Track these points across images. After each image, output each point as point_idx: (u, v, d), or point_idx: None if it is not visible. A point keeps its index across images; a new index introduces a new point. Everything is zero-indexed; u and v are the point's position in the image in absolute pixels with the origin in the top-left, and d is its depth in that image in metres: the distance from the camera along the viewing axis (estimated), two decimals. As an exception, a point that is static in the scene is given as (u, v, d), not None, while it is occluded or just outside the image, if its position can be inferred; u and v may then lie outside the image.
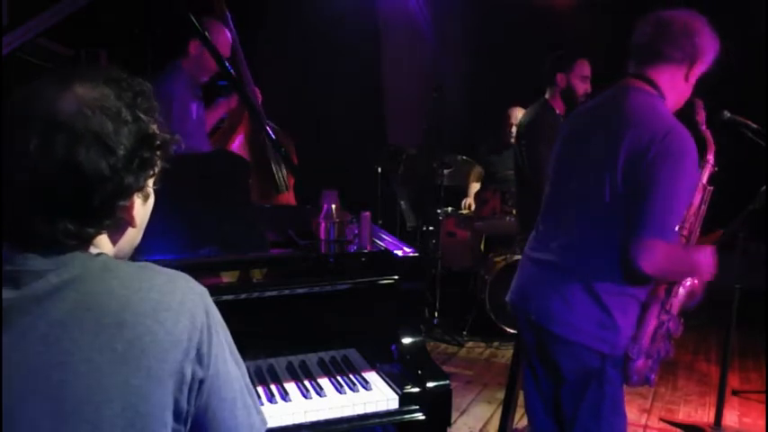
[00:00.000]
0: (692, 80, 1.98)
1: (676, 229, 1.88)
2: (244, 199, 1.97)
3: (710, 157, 2.09)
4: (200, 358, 0.96)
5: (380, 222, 4.44)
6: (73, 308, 0.90)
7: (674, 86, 1.96)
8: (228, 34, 2.98)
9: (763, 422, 3.41)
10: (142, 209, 1.03)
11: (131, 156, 0.94)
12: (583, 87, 3.59)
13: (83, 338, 0.90)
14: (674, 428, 3.42)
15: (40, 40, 2.49)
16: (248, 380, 1.09)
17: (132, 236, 1.05)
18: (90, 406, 0.89)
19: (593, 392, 1.98)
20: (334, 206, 2.02)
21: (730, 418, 3.49)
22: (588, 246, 1.94)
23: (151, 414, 0.92)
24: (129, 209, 0.99)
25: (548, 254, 2.03)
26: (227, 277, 1.82)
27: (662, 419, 3.50)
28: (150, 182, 1.02)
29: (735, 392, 3.77)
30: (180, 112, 2.83)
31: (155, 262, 1.70)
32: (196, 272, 1.76)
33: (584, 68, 3.58)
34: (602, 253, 1.91)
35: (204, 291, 1.02)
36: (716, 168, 2.09)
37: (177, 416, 0.95)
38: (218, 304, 1.69)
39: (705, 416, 3.53)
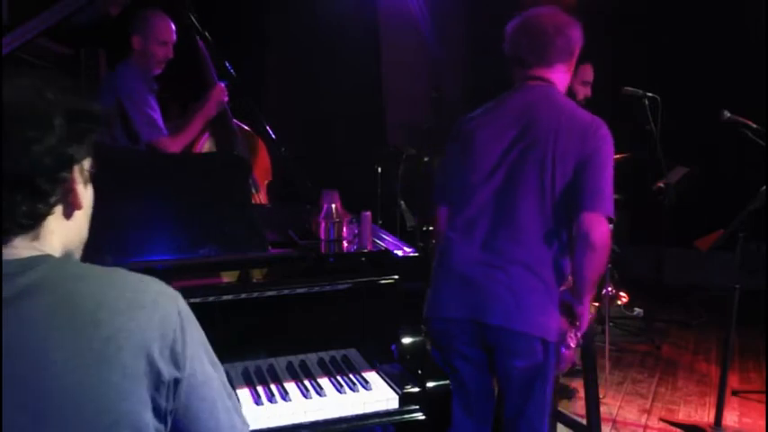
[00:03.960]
0: (572, 71, 2.19)
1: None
2: (244, 199, 1.97)
3: None
4: (174, 358, 0.98)
5: (380, 222, 4.44)
6: (46, 309, 0.91)
7: (562, 81, 2.15)
8: (170, 22, 2.98)
9: (763, 422, 3.41)
10: (85, 192, 1.05)
11: (68, 127, 0.98)
12: (583, 92, 3.59)
13: (59, 340, 0.90)
14: (674, 428, 3.42)
15: (40, 40, 2.49)
16: (227, 381, 1.09)
17: (80, 223, 1.07)
18: (71, 407, 0.89)
19: (540, 386, 2.03)
20: (334, 206, 2.02)
21: (730, 418, 3.49)
22: (533, 236, 2.00)
23: (132, 412, 0.93)
24: (72, 184, 1.01)
25: (490, 255, 2.02)
26: (227, 277, 1.82)
27: (662, 419, 3.50)
28: (87, 164, 1.05)
29: (735, 392, 3.77)
30: (141, 106, 2.83)
31: (154, 262, 1.72)
32: (196, 272, 1.78)
33: (587, 73, 3.58)
34: (545, 241, 2.00)
35: (177, 294, 1.03)
36: None
37: (157, 414, 0.97)
38: (219, 304, 1.70)
39: (705, 416, 3.53)
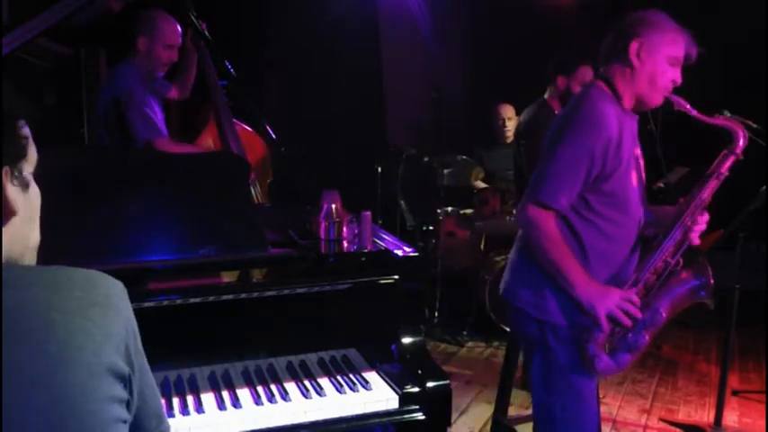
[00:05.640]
0: (648, 63, 2.00)
1: (563, 196, 1.97)
2: (244, 199, 1.97)
3: (739, 146, 2.09)
4: (128, 354, 0.98)
5: (380, 222, 4.44)
6: None
7: (623, 77, 2.04)
8: (177, 26, 2.96)
9: (763, 422, 3.41)
10: (21, 197, 1.00)
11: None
12: None
13: (12, 348, 0.88)
14: (674, 428, 3.42)
15: (40, 40, 2.48)
16: None
17: (21, 230, 1.01)
18: (34, 416, 0.87)
19: (538, 361, 2.10)
20: (334, 206, 2.02)
21: (730, 418, 3.49)
22: None
23: (99, 410, 0.92)
24: (2, 188, 0.96)
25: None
26: (227, 277, 1.82)
27: (662, 419, 3.50)
28: (27, 168, 1.00)
29: (735, 392, 3.77)
30: (139, 105, 2.81)
31: (154, 262, 1.72)
32: (196, 272, 1.78)
33: (587, 74, 3.57)
34: None
35: (123, 286, 1.02)
36: (740, 157, 2.10)
37: (122, 405, 0.97)
38: (219, 304, 1.70)
39: (705, 416, 3.53)
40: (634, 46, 2.00)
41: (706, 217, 2.09)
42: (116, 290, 1.00)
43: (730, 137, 2.09)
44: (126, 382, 0.98)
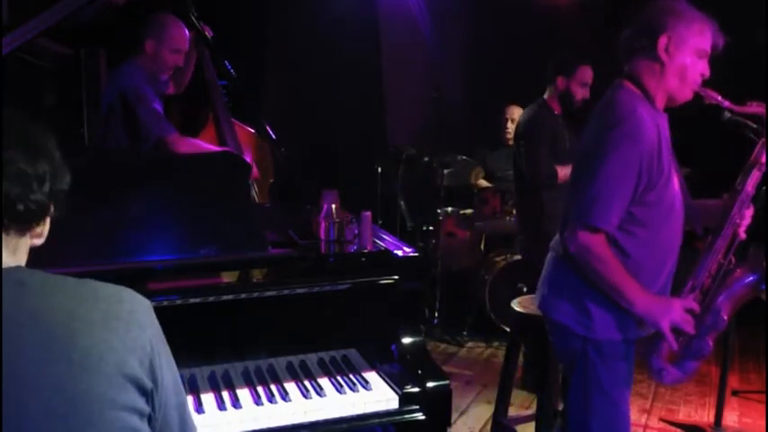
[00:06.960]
0: (678, 58, 1.90)
1: (612, 216, 1.86)
2: (244, 199, 1.97)
3: None
4: (152, 370, 0.99)
5: (380, 222, 4.44)
6: (19, 322, 0.90)
7: (652, 74, 1.93)
8: (186, 31, 2.95)
9: (763, 422, 3.41)
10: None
11: (60, 166, 1.03)
12: (581, 93, 3.58)
13: (34, 353, 0.89)
14: (674, 428, 3.42)
15: (40, 40, 2.48)
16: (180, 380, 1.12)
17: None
18: (52, 420, 0.89)
19: (578, 375, 2.03)
20: (334, 206, 2.02)
21: (730, 418, 3.49)
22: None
23: (119, 419, 0.93)
24: (47, 220, 1.03)
25: (554, 243, 2.12)
26: (227, 277, 1.82)
27: (662, 419, 3.50)
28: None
29: (735, 392, 3.77)
30: (148, 102, 2.79)
31: (154, 262, 1.72)
32: (196, 272, 1.78)
33: (586, 75, 3.57)
34: None
35: (149, 303, 1.04)
36: None
37: (142, 419, 0.98)
38: (219, 304, 1.70)
39: (705, 416, 3.53)
40: (663, 41, 1.87)
41: (751, 210, 2.03)
42: (141, 306, 1.02)
43: (765, 124, 2.01)
44: (148, 396, 0.99)
